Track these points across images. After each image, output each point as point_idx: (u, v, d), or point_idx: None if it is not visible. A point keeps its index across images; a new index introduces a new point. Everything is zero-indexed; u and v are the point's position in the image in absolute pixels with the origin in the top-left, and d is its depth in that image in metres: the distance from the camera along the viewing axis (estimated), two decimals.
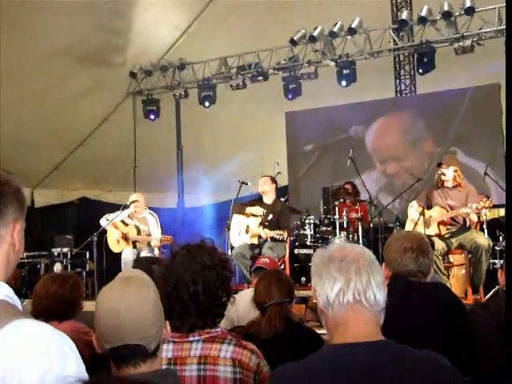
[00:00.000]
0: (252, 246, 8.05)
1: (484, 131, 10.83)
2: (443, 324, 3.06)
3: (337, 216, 9.13)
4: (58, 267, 10.12)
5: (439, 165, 7.40)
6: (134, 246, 8.58)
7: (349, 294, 1.87)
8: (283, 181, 11.76)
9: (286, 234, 7.92)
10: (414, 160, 11.64)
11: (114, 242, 8.72)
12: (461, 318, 3.10)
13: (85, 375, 1.49)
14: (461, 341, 2.98)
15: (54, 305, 3.53)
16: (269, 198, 8.35)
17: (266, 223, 8.08)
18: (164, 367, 2.30)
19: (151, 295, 1.90)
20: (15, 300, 1.52)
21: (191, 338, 2.37)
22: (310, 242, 9.06)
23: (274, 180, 8.48)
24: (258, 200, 8.50)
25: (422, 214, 7.17)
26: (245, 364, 2.33)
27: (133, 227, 8.68)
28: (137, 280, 1.92)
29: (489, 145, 10.80)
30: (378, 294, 1.89)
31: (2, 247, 1.57)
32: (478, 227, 7.44)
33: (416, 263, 3.17)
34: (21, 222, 1.61)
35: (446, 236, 7.12)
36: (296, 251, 8.88)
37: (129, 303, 1.83)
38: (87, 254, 10.41)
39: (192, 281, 2.38)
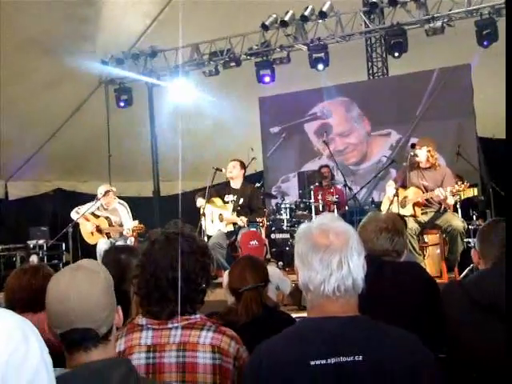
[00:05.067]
0: (228, 234, 8.03)
1: (454, 111, 10.89)
2: (416, 301, 3.11)
3: (312, 200, 9.17)
4: (33, 259, 10.04)
5: (413, 146, 7.46)
6: (109, 237, 8.56)
7: (329, 286, 1.91)
8: (259, 166, 11.78)
9: (264, 220, 7.92)
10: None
11: (88, 235, 8.68)
12: (434, 295, 3.14)
13: (48, 359, 1.51)
14: (434, 318, 3.03)
15: (27, 296, 3.51)
16: (237, 183, 8.28)
17: (239, 208, 8.04)
18: (143, 355, 2.32)
19: (101, 280, 1.94)
20: None
21: (170, 325, 2.36)
22: (287, 226, 9.09)
23: (243, 165, 8.41)
24: (225, 186, 8.40)
25: (396, 194, 7.23)
26: (224, 350, 2.33)
27: (104, 219, 8.63)
28: (87, 266, 1.99)
29: (459, 125, 10.87)
30: (357, 280, 1.93)
31: None
32: (452, 207, 7.52)
33: (391, 243, 3.23)
34: None
35: (421, 218, 7.20)
36: (273, 236, 8.92)
37: (78, 287, 1.87)
38: (63, 245, 10.36)
39: (171, 267, 2.37)
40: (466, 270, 7.01)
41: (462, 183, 6.86)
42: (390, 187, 7.54)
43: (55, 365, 1.76)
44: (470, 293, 2.85)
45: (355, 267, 1.92)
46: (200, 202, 8.07)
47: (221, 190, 8.33)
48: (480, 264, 3.09)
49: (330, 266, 1.90)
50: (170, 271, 2.37)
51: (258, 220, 7.85)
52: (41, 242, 10.60)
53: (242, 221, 7.85)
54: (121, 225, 8.60)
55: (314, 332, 1.91)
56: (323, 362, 1.84)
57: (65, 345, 1.88)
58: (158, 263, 2.39)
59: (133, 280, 2.49)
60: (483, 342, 2.75)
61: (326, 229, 1.98)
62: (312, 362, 1.84)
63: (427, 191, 7.15)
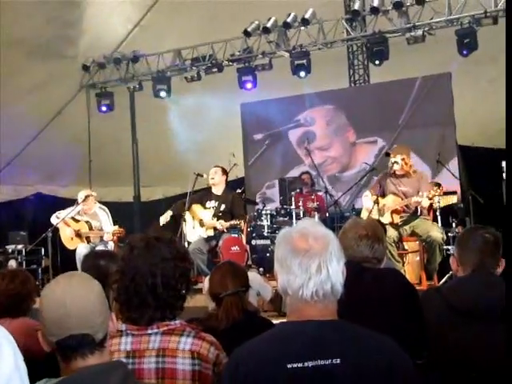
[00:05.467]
0: (208, 239, 8.03)
1: (436, 119, 10.95)
2: (396, 308, 3.11)
3: (293, 206, 9.17)
4: (12, 264, 9.93)
5: (387, 154, 7.52)
6: (89, 242, 8.51)
7: (307, 290, 1.91)
8: (240, 173, 11.78)
9: (242, 223, 7.94)
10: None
11: (67, 240, 8.62)
12: (414, 301, 3.16)
13: (23, 365, 1.50)
14: (414, 324, 3.04)
15: (5, 301, 3.49)
16: (219, 189, 8.29)
17: (220, 214, 8.04)
18: (123, 360, 2.30)
19: (95, 285, 1.95)
20: None
21: (150, 331, 2.36)
22: (267, 232, 9.08)
23: (225, 171, 8.43)
24: (207, 192, 8.42)
25: (376, 202, 7.25)
26: (203, 356, 2.33)
27: (84, 223, 8.58)
28: (79, 273, 2.04)
29: (441, 132, 10.93)
30: (336, 285, 1.94)
31: None
32: (432, 215, 7.56)
33: (371, 250, 3.24)
34: None
35: (399, 224, 7.23)
36: (253, 242, 8.91)
37: (73, 293, 1.86)
38: (42, 250, 10.27)
39: (150, 273, 2.36)
40: (445, 278, 7.05)
41: (438, 188, 6.93)
42: (367, 197, 7.55)
43: (37, 372, 1.75)
44: (448, 299, 2.87)
45: (334, 272, 1.93)
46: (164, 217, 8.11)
47: (203, 196, 8.34)
48: (458, 271, 3.11)
49: (308, 270, 1.91)
50: (149, 277, 2.36)
51: (236, 222, 7.85)
52: (20, 246, 10.49)
53: (221, 224, 7.84)
54: (101, 229, 8.55)
55: (293, 335, 1.91)
56: (300, 365, 1.84)
57: (61, 353, 1.85)
58: (137, 269, 2.38)
59: (112, 286, 2.47)
60: (460, 346, 2.78)
61: (306, 233, 1.98)
62: (289, 365, 1.84)
63: (407, 197, 7.18)
